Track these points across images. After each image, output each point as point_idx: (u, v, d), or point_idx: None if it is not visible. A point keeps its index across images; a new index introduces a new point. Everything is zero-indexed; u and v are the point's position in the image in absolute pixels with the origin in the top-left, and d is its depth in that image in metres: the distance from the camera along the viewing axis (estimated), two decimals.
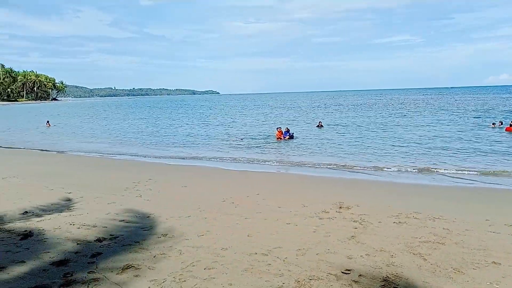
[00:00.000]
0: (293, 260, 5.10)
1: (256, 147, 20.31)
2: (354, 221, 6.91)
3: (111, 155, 18.33)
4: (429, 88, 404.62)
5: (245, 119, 42.54)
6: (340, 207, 7.94)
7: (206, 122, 39.22)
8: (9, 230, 6.30)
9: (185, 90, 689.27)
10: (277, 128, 23.99)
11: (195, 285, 4.34)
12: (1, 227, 6.50)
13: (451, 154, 16.14)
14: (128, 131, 32.67)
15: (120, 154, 18.68)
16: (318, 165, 14.64)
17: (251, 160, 16.20)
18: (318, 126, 29.67)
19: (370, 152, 17.45)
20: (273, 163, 15.42)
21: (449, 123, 29.39)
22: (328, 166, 14.24)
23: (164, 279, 4.49)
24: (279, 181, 11.71)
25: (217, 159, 16.59)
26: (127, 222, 6.88)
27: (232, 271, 4.73)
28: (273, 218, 7.16)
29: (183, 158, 17.14)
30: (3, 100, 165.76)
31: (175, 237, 6.06)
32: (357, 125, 30.37)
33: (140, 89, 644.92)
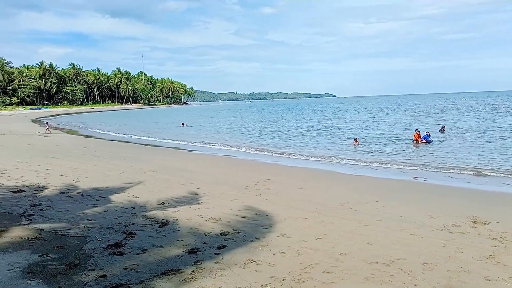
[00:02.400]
0: (419, 274, 4.73)
1: (378, 151, 19.40)
2: (492, 239, 6.09)
3: (234, 155, 19.54)
4: None
5: (363, 121, 41.03)
6: (475, 221, 7.08)
7: (322, 124, 38.99)
8: (150, 218, 7.20)
9: (301, 94, 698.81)
10: (415, 130, 22.92)
11: (314, 287, 4.35)
12: (144, 214, 7.47)
13: None
14: (248, 133, 34.41)
15: (241, 154, 19.79)
16: (447, 173, 13.30)
17: (371, 164, 15.54)
18: (440, 130, 27.17)
19: (508, 160, 15.19)
20: (396, 168, 14.52)
21: None
22: (459, 175, 12.84)
23: (284, 277, 4.60)
24: (402, 188, 10.98)
25: (334, 162, 16.34)
26: (248, 219, 7.25)
27: (352, 278, 4.61)
28: (395, 227, 6.75)
29: (300, 159, 17.32)
30: (144, 104, 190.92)
31: (293, 237, 6.16)
32: (486, 131, 26.69)
33: (259, 93, 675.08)
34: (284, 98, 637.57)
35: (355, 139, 22.78)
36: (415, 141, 21.83)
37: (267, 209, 7.97)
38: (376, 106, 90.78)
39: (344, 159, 17.33)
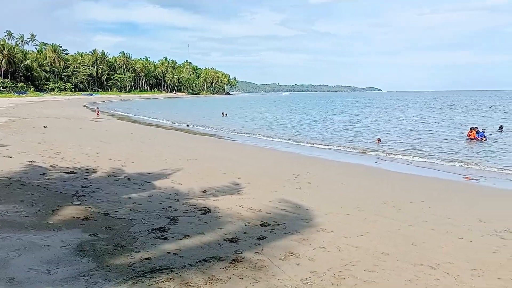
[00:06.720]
0: (467, 280, 4.51)
1: (421, 148, 18.65)
2: None
3: (273, 147, 19.54)
4: None
5: (404, 117, 39.55)
6: None
7: (368, 120, 38.03)
8: (193, 205, 7.37)
9: (345, 87, 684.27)
10: (470, 128, 21.98)
11: (355, 285, 4.27)
12: (187, 201, 7.66)
13: None
14: (288, 125, 34.26)
15: (280, 145, 19.75)
16: (503, 174, 12.56)
17: (417, 162, 14.98)
18: (499, 130, 25.56)
19: None
20: (445, 167, 13.90)
21: None
22: None
23: (324, 273, 4.55)
24: (451, 189, 10.50)
25: (375, 158, 15.90)
26: (288, 212, 7.23)
27: (395, 279, 4.47)
28: (441, 229, 6.47)
29: (340, 153, 17.02)
30: (189, 93, 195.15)
31: (334, 233, 6.07)
32: None
33: (302, 85, 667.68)
34: (327, 91, 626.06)
35: (378, 139, 21.51)
36: (469, 139, 20.82)
37: (307, 203, 7.90)
38: (427, 102, 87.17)
39: (385, 155, 16.82)
